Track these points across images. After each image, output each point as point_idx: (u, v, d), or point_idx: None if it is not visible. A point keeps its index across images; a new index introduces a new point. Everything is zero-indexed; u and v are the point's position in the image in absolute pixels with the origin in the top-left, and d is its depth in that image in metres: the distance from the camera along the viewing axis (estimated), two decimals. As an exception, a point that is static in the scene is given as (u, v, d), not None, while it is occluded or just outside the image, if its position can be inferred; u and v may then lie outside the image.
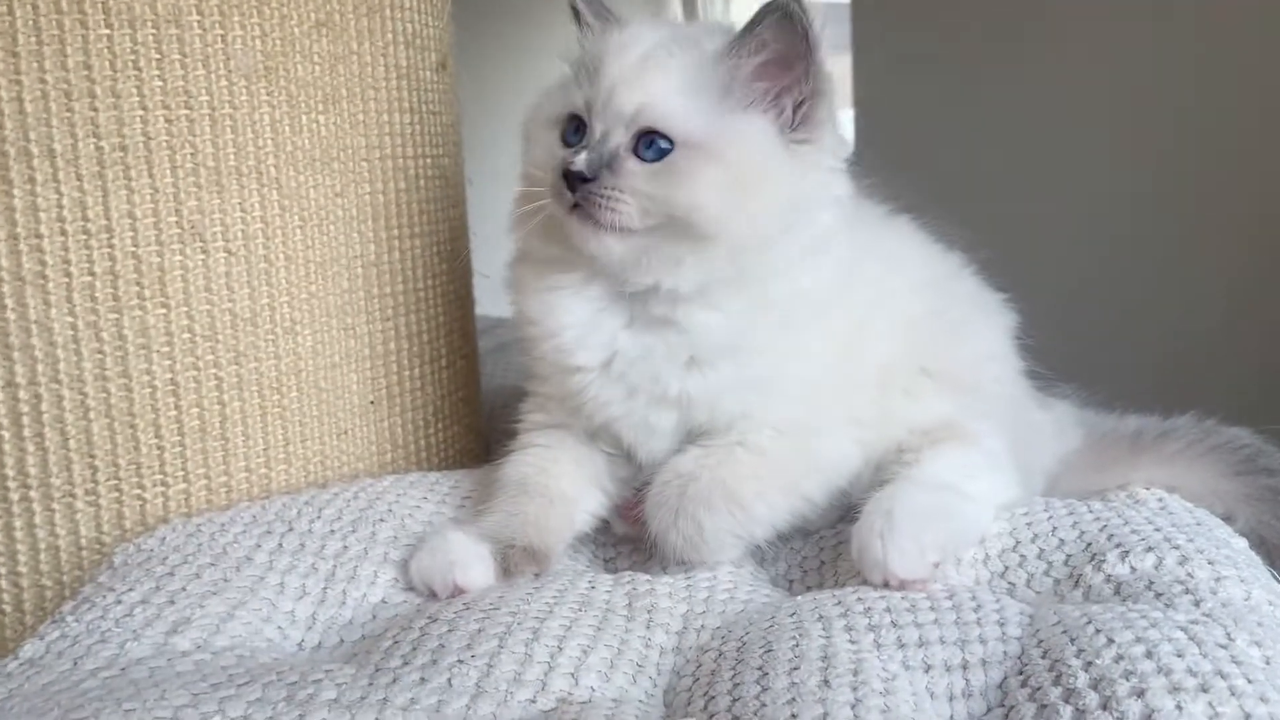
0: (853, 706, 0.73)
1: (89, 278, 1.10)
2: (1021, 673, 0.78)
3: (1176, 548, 0.93)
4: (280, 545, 1.04)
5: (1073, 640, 0.78)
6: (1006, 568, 0.98)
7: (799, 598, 0.95)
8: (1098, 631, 0.78)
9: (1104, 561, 0.94)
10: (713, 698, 0.79)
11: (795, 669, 0.78)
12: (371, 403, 1.30)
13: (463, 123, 1.49)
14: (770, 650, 0.82)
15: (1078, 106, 2.48)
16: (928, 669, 0.80)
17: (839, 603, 0.89)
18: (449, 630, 0.86)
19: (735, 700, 0.77)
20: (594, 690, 0.82)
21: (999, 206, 2.47)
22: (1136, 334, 2.34)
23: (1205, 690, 0.69)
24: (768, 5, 0.94)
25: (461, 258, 1.46)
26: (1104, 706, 0.69)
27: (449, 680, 0.80)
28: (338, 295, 1.26)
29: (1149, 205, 2.36)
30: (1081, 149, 2.48)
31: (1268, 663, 0.73)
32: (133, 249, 1.11)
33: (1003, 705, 0.76)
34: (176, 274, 1.14)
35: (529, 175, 1.06)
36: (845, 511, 1.06)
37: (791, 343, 1.03)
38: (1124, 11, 2.38)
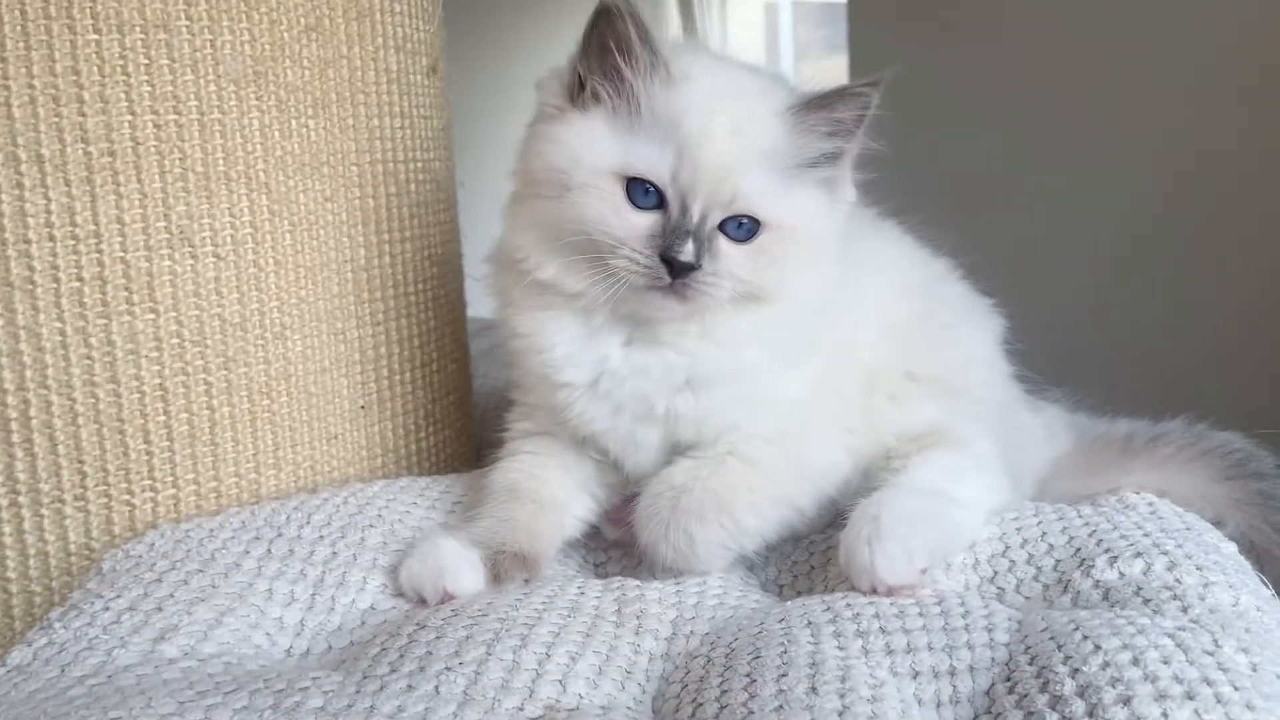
0: (840, 714, 0.73)
1: (77, 283, 1.10)
2: (1009, 679, 0.78)
3: (1165, 553, 0.93)
4: (269, 551, 1.04)
5: (1060, 647, 0.77)
6: (995, 573, 0.98)
7: (788, 603, 0.95)
8: (1085, 638, 0.77)
9: (1093, 567, 0.93)
10: (701, 704, 0.79)
11: (783, 676, 0.78)
12: (362, 407, 1.30)
13: (454, 127, 1.49)
14: (758, 657, 0.82)
15: (1072, 109, 2.48)
16: (915, 675, 0.80)
17: (828, 609, 0.89)
18: (437, 637, 0.86)
19: (723, 707, 0.77)
20: (582, 697, 0.82)
21: (992, 209, 2.48)
22: (1127, 338, 2.35)
23: (1191, 698, 0.69)
24: (856, 94, 0.97)
25: (452, 261, 1.46)
26: (1090, 714, 0.69)
27: (436, 688, 0.79)
28: (328, 300, 1.25)
29: (1142, 209, 2.37)
30: (1075, 152, 2.49)
31: (1254, 670, 0.73)
32: (121, 254, 1.11)
33: (990, 712, 0.76)
34: (165, 279, 1.13)
35: (584, 232, 0.97)
36: (834, 517, 1.05)
37: (786, 366, 1.04)
38: (1122, 12, 2.39)
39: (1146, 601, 0.87)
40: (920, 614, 0.87)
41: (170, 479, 1.16)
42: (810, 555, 1.08)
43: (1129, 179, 2.39)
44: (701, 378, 1.02)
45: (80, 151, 1.08)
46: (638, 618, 0.93)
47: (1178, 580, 0.89)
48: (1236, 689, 0.70)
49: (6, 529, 1.13)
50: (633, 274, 0.96)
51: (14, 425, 1.11)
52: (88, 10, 1.07)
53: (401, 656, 0.84)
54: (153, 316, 1.13)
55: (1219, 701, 0.68)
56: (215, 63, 1.14)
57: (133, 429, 1.14)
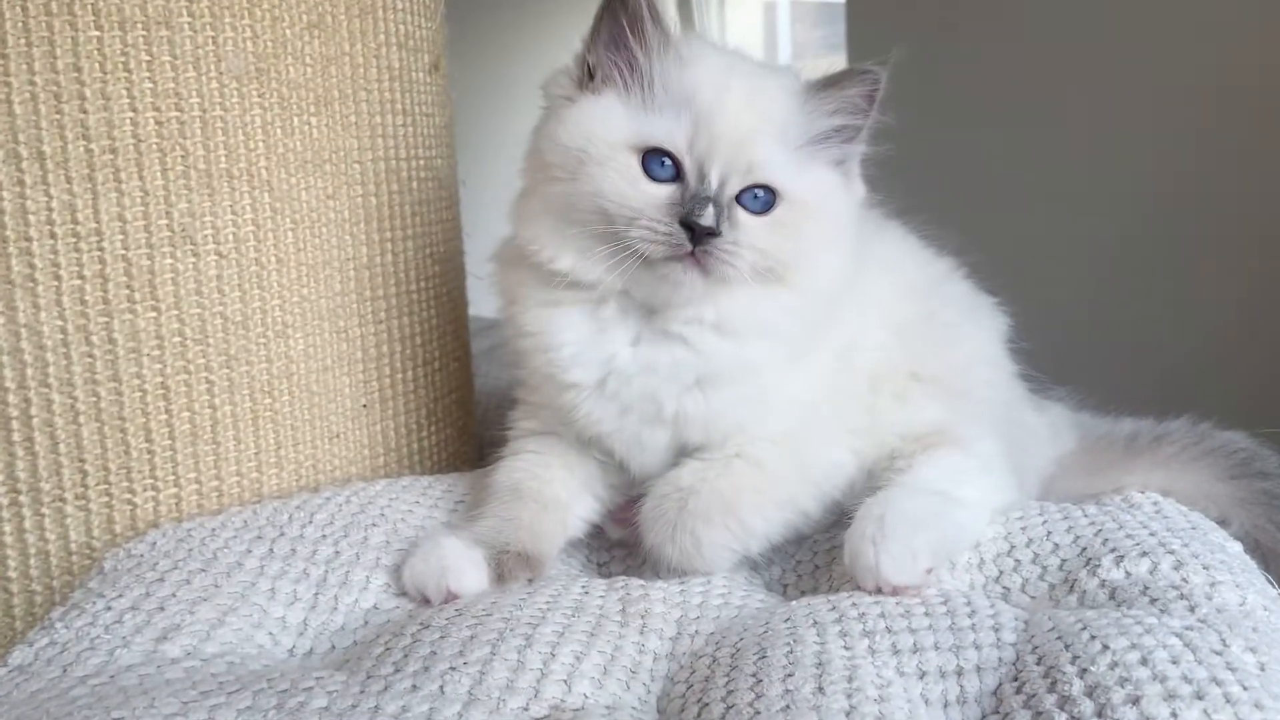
0: (847, 714, 0.73)
1: (79, 281, 1.10)
2: (1016, 679, 0.77)
3: (1171, 552, 0.92)
4: (271, 550, 1.03)
5: (1068, 646, 0.77)
6: (1001, 572, 0.98)
7: (793, 603, 0.94)
8: (1093, 638, 0.77)
9: (1099, 566, 0.93)
10: (706, 704, 0.79)
11: (790, 675, 0.78)
12: (364, 406, 1.30)
13: (456, 124, 1.49)
14: (764, 656, 0.82)
15: (1073, 109, 2.48)
16: (922, 675, 0.80)
17: (833, 608, 0.89)
18: (441, 637, 0.86)
19: (729, 708, 0.77)
20: (587, 697, 0.81)
21: (994, 208, 2.47)
22: (1131, 337, 2.34)
23: (1200, 697, 0.68)
24: (864, 72, 0.98)
25: (454, 259, 1.46)
26: (1099, 714, 0.69)
27: (441, 688, 0.79)
28: (330, 298, 1.25)
29: (1145, 208, 2.37)
30: (1075, 151, 2.48)
31: (1263, 669, 0.73)
32: (123, 252, 1.11)
33: (997, 712, 0.76)
34: (167, 277, 1.13)
35: (599, 205, 0.97)
36: (839, 517, 1.05)
37: (793, 363, 1.03)
38: (1123, 11, 2.38)
39: (1153, 601, 0.87)
40: (926, 614, 0.86)
41: (172, 477, 1.16)
42: (815, 555, 1.08)
43: (1131, 178, 2.39)
44: (711, 375, 1.01)
45: (82, 149, 1.08)
46: (642, 617, 0.93)
47: (1184, 580, 0.89)
48: (1245, 688, 0.69)
49: (7, 528, 1.12)
50: (652, 244, 0.95)
51: (15, 423, 1.10)
52: (89, 7, 1.07)
53: (406, 656, 0.84)
54: (154, 314, 1.13)
55: (1228, 701, 0.68)
56: (217, 59, 1.13)
57: (134, 427, 1.13)
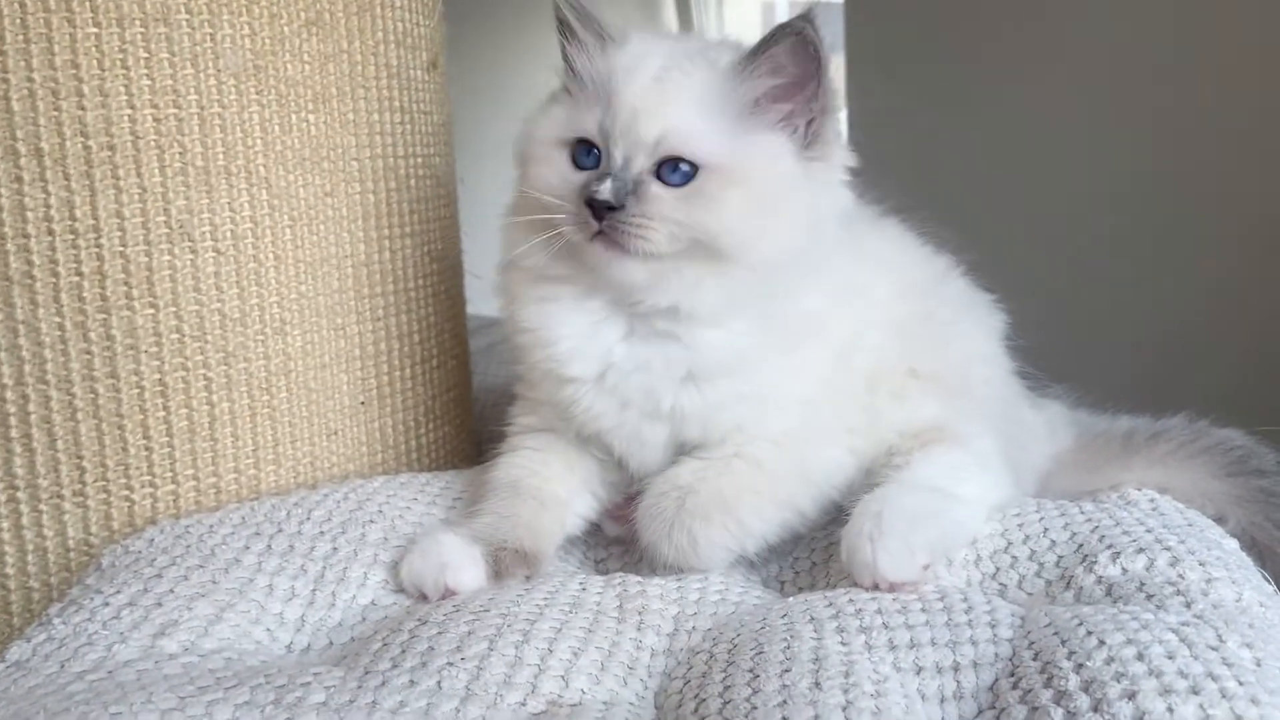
0: (844, 709, 0.73)
1: (76, 278, 1.10)
2: (1013, 674, 0.78)
3: (1168, 549, 0.92)
4: (269, 547, 1.03)
5: (1064, 642, 0.77)
6: (998, 569, 0.98)
7: (790, 599, 0.95)
8: (1089, 633, 0.77)
9: (1095, 563, 0.93)
10: (704, 700, 0.79)
11: (786, 671, 0.78)
12: (362, 403, 1.30)
13: (454, 122, 1.49)
14: (761, 652, 0.82)
15: (1069, 107, 2.48)
16: (919, 671, 0.80)
17: (830, 604, 0.89)
18: (438, 633, 0.86)
19: (726, 703, 0.77)
20: (584, 693, 0.82)
21: (990, 207, 2.48)
22: (1129, 335, 2.35)
23: (1196, 692, 0.68)
24: (782, 28, 0.94)
25: (452, 257, 1.46)
26: (1095, 709, 0.69)
27: (438, 683, 0.79)
28: (328, 295, 1.25)
29: (1142, 206, 2.37)
30: (1073, 150, 2.49)
31: (1259, 664, 0.73)
32: (120, 249, 1.11)
33: (994, 707, 0.76)
34: (165, 274, 1.13)
35: (537, 198, 1.02)
36: (836, 514, 1.05)
37: (789, 359, 1.03)
38: (1118, 11, 2.39)
39: (1150, 597, 0.87)
40: (923, 610, 0.87)
41: (170, 474, 1.16)
42: (812, 552, 1.08)
43: (1129, 175, 2.39)
44: (702, 369, 1.01)
45: (79, 146, 1.08)
46: (640, 614, 0.93)
47: (1181, 576, 0.89)
48: (1241, 684, 0.69)
49: (5, 524, 1.12)
50: (570, 226, 0.99)
51: (13, 420, 1.10)
52: (87, 4, 1.07)
53: (403, 652, 0.84)
54: (152, 311, 1.13)
55: (1224, 696, 0.68)
56: (215, 57, 1.13)
57: (132, 424, 1.13)
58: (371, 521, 1.09)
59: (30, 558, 1.13)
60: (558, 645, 0.85)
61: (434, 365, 1.40)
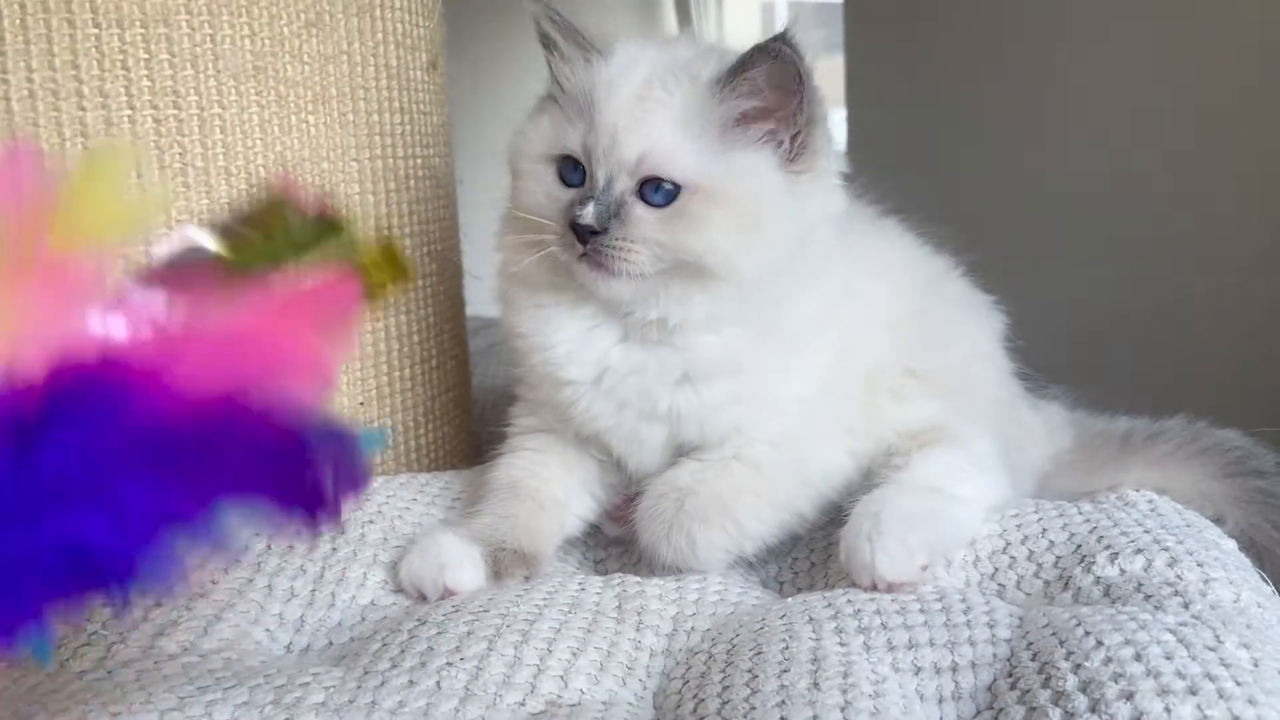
0: (842, 709, 0.73)
1: (76, 278, 1.10)
2: (1011, 675, 0.78)
3: (1166, 550, 0.93)
4: (268, 546, 1.03)
5: (1062, 642, 0.78)
6: (996, 569, 0.98)
7: (789, 600, 0.95)
8: (1087, 634, 0.77)
9: (1094, 563, 0.93)
10: (702, 700, 0.79)
11: (785, 671, 0.78)
12: (361, 404, 1.30)
13: (454, 123, 1.49)
14: (760, 652, 0.82)
15: (1068, 107, 2.48)
16: (917, 671, 0.80)
17: (829, 605, 0.89)
18: (438, 633, 0.86)
19: (725, 703, 0.77)
20: (583, 693, 0.82)
21: (989, 207, 2.48)
22: (1127, 336, 2.35)
23: (1194, 693, 0.69)
24: (758, 51, 0.93)
25: (452, 258, 1.46)
26: (1093, 709, 0.69)
27: (437, 683, 0.79)
28: (327, 296, 1.25)
29: (1141, 206, 2.37)
30: (1072, 150, 2.49)
31: (1256, 665, 0.73)
32: (121, 249, 1.11)
33: (992, 708, 0.76)
34: (165, 275, 1.13)
35: (526, 217, 1.02)
36: (835, 514, 1.05)
37: (787, 361, 1.03)
38: (1118, 11, 2.39)
39: (1148, 598, 0.87)
40: (921, 610, 0.87)
41: (169, 475, 1.15)
42: (811, 552, 1.08)
43: (1129, 176, 2.39)
44: (697, 371, 1.02)
45: (80, 146, 1.08)
46: (638, 614, 0.93)
47: (1179, 576, 0.89)
48: (1239, 684, 0.70)
49: (5, 525, 1.12)
50: (555, 246, 0.99)
51: (12, 421, 1.10)
52: (87, 5, 1.07)
53: (403, 652, 0.84)
54: (152, 312, 1.13)
55: (1221, 697, 0.68)
56: (215, 58, 1.14)
57: (132, 425, 1.13)
58: (370, 521, 1.09)
59: (30, 558, 1.13)
60: (557, 645, 0.85)
61: (433, 366, 1.40)
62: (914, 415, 1.08)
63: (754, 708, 0.75)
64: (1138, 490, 1.08)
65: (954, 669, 0.80)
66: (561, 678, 0.82)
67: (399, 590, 1.00)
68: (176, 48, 1.11)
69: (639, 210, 0.96)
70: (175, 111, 1.12)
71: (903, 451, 1.06)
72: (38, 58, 1.06)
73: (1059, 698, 0.72)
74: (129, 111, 1.10)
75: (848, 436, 1.07)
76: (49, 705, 0.77)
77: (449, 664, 0.81)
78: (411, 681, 0.80)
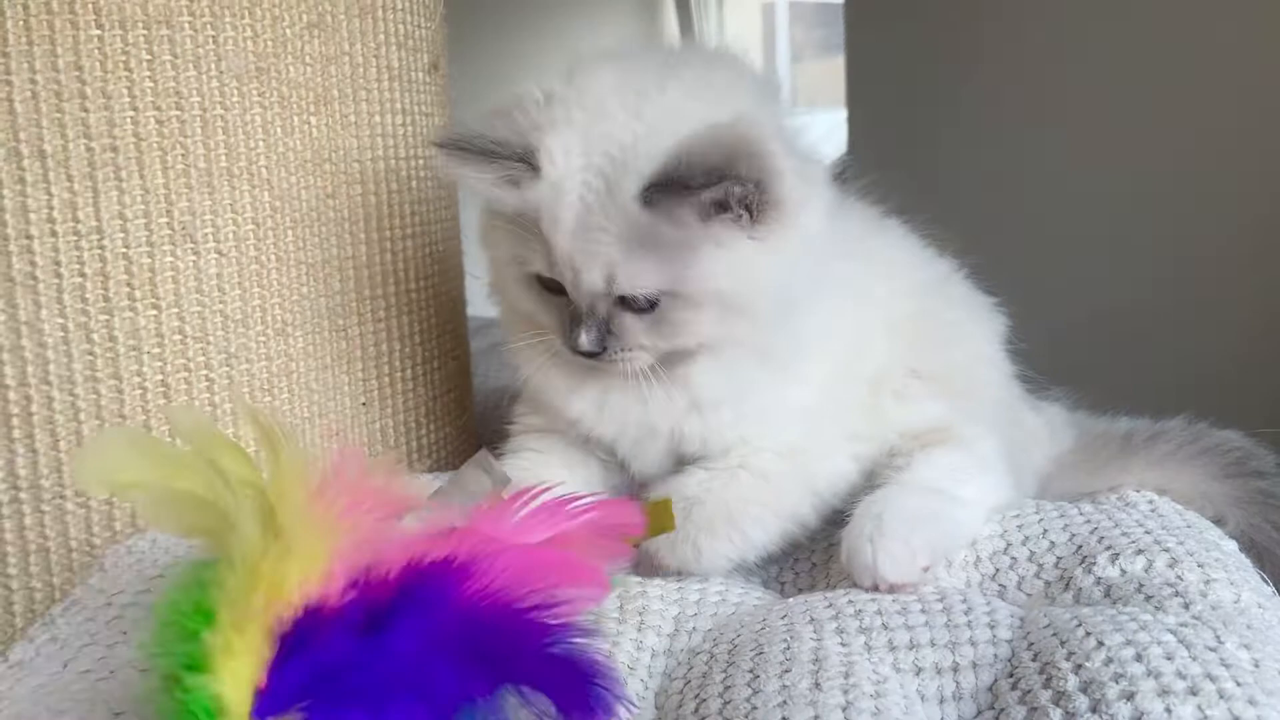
0: (844, 709, 0.73)
1: (79, 279, 1.10)
2: (1012, 675, 0.78)
3: (1166, 550, 0.93)
4: (271, 547, 1.04)
5: (1063, 643, 0.78)
6: (998, 570, 0.99)
7: (790, 600, 0.95)
8: (1088, 634, 0.78)
9: (1094, 564, 0.94)
10: (704, 700, 0.79)
11: (786, 671, 0.78)
12: (363, 404, 1.30)
13: (455, 124, 1.49)
14: (761, 653, 0.82)
15: (1069, 108, 2.48)
16: (918, 671, 0.80)
17: (830, 605, 0.89)
18: (440, 633, 0.86)
19: (726, 703, 0.77)
20: (585, 693, 0.82)
21: (991, 208, 2.48)
22: (1128, 337, 2.35)
23: (1194, 693, 0.69)
24: (706, 183, 0.87)
25: (453, 259, 1.46)
26: (1094, 709, 0.69)
27: (440, 683, 0.79)
28: (329, 296, 1.25)
29: (1143, 207, 2.37)
30: (1073, 150, 2.49)
31: (1257, 665, 0.73)
32: (124, 250, 1.11)
33: (993, 708, 0.76)
34: (167, 275, 1.13)
35: (521, 321, 1.03)
36: (836, 516, 1.05)
37: (792, 375, 1.03)
38: (1120, 12, 2.39)
39: (1149, 598, 0.87)
40: (923, 611, 0.87)
41: (172, 475, 1.16)
42: (812, 553, 1.08)
43: (1130, 177, 2.39)
44: (704, 401, 1.02)
45: (83, 147, 1.09)
46: (640, 614, 0.93)
47: (1179, 577, 0.89)
48: (1239, 685, 0.70)
49: (8, 525, 1.13)
50: (559, 345, 0.99)
51: (15, 421, 1.11)
52: (90, 6, 1.07)
53: (405, 652, 0.84)
54: (155, 312, 1.13)
55: (1222, 697, 0.68)
56: (218, 59, 1.14)
57: (135, 425, 1.14)
58: (373, 522, 1.09)
59: (33, 558, 1.14)
60: (558, 645, 0.85)
61: (435, 366, 1.41)
62: (917, 416, 1.08)
63: (755, 708, 0.75)
64: (1138, 491, 1.08)
65: (955, 669, 0.80)
66: (563, 678, 0.82)
67: (401, 590, 1.00)
68: (179, 49, 1.12)
69: (628, 319, 0.95)
70: (178, 112, 1.12)
71: (905, 452, 1.06)
72: (41, 58, 1.06)
73: (1060, 698, 0.72)
74: (132, 112, 1.10)
75: (852, 441, 1.07)
76: (53, 705, 0.77)
77: (451, 664, 0.81)
78: (414, 681, 0.80)
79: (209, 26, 1.13)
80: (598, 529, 0.66)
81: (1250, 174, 2.20)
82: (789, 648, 0.82)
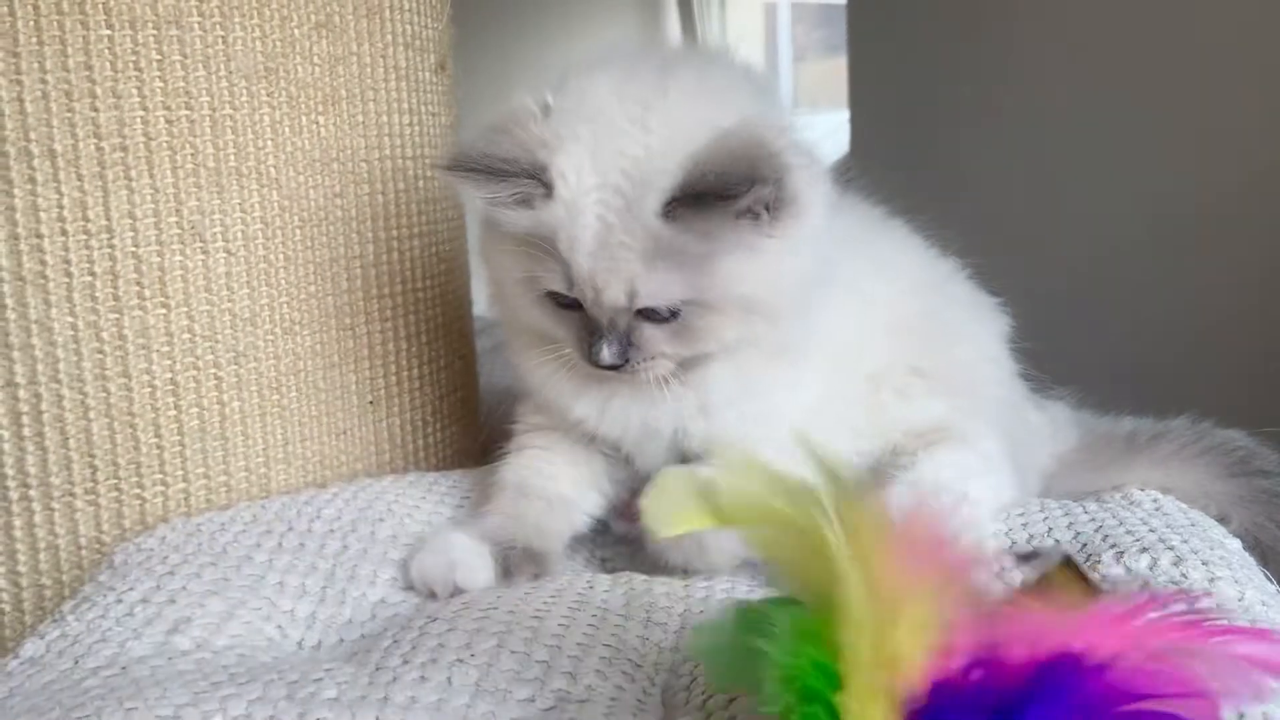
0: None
1: (89, 277, 1.11)
2: (1017, 672, 0.78)
3: (1171, 549, 0.93)
4: (280, 545, 1.04)
5: (1068, 640, 0.78)
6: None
7: (796, 598, 0.95)
8: (1092, 631, 0.78)
9: (1099, 562, 0.94)
10: (711, 695, 0.79)
11: (793, 668, 0.79)
12: (370, 403, 1.31)
13: (462, 124, 1.50)
14: (768, 649, 0.83)
15: (1073, 108, 2.48)
16: (924, 668, 0.81)
17: (836, 603, 0.90)
18: (449, 629, 0.87)
19: (732, 699, 0.77)
20: (592, 689, 0.82)
21: (994, 208, 2.48)
22: (1132, 336, 2.35)
23: (1199, 690, 0.69)
24: (727, 195, 0.87)
25: (459, 258, 1.47)
26: (1099, 705, 0.70)
27: (449, 679, 0.80)
28: (337, 296, 1.26)
29: (1145, 207, 2.37)
30: (1077, 151, 2.49)
31: (1261, 662, 0.74)
32: (133, 249, 1.12)
33: (998, 704, 0.77)
34: (176, 274, 1.14)
35: (527, 333, 1.03)
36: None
37: (797, 375, 1.03)
38: (1121, 12, 2.39)
39: (1153, 596, 0.87)
40: (927, 608, 0.87)
41: (181, 473, 1.17)
42: (817, 550, 1.09)
43: (1132, 178, 2.39)
44: (712, 403, 1.02)
45: (93, 147, 1.09)
46: (646, 611, 0.94)
47: (1183, 575, 0.90)
48: (1243, 682, 0.70)
49: (17, 522, 1.13)
50: (576, 359, 0.98)
51: (25, 419, 1.11)
52: (101, 6, 1.08)
53: (414, 648, 0.85)
54: (164, 311, 1.14)
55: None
56: (227, 59, 1.14)
57: (144, 423, 1.14)
58: (380, 520, 1.10)
59: (42, 555, 1.14)
60: (565, 642, 0.86)
61: (441, 365, 1.41)
62: (920, 414, 1.08)
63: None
64: (1143, 489, 1.09)
65: (960, 666, 0.81)
66: (570, 674, 0.82)
67: (409, 588, 1.01)
68: (189, 49, 1.12)
69: (648, 330, 0.95)
70: (187, 112, 1.13)
71: (909, 451, 1.07)
72: (51, 58, 1.07)
73: (1065, 694, 0.72)
74: (142, 112, 1.10)
75: (854, 438, 1.07)
76: (64, 700, 0.78)
77: (459, 660, 0.82)
78: (423, 677, 0.80)
79: (218, 27, 1.14)
80: (1233, 661, 0.61)
81: (1256, 173, 2.20)
82: (795, 644, 0.82)
